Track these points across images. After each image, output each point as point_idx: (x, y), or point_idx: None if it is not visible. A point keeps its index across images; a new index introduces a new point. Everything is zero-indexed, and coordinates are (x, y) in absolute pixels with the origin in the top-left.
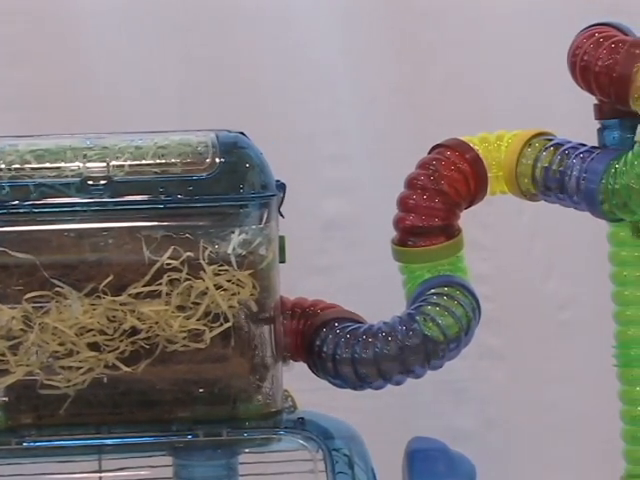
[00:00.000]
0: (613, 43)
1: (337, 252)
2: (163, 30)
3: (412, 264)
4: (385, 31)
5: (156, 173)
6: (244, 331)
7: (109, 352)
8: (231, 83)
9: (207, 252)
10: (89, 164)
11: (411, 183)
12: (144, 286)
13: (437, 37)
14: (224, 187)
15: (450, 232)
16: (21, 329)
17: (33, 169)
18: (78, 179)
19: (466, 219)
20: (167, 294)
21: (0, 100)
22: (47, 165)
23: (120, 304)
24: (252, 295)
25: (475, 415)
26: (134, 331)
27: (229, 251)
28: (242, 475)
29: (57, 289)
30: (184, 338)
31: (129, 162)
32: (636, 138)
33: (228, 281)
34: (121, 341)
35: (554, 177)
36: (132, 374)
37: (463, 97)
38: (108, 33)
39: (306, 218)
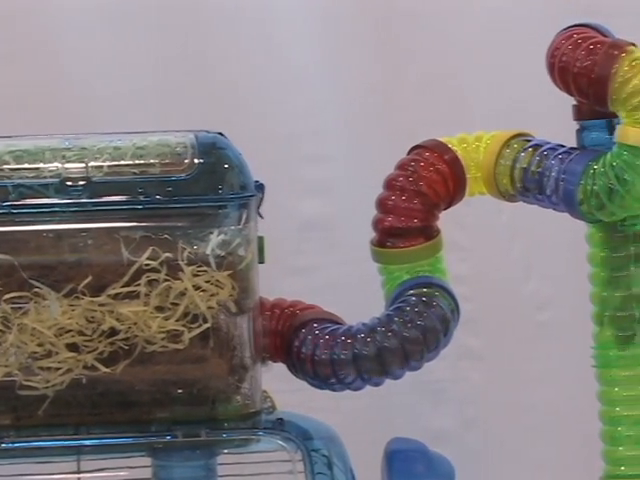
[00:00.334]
0: (591, 44)
1: (316, 253)
2: (142, 30)
3: (391, 265)
4: (364, 31)
5: (135, 174)
6: (223, 332)
7: (88, 353)
8: (210, 83)
9: (186, 253)
10: (68, 165)
11: (390, 184)
12: (123, 287)
13: (416, 38)
14: (203, 188)
15: (429, 233)
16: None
17: (12, 170)
18: (57, 180)
19: (445, 220)
20: (146, 295)
21: None
22: (26, 166)
23: (99, 305)
24: (231, 296)
25: (454, 416)
26: (113, 332)
27: (208, 252)
28: (221, 476)
29: (36, 290)
30: (163, 339)
31: (108, 163)
32: (615, 139)
33: (207, 282)
34: (100, 342)
35: (533, 178)
36: (111, 375)
37: (442, 98)
38: (87, 33)
39: (285, 219)
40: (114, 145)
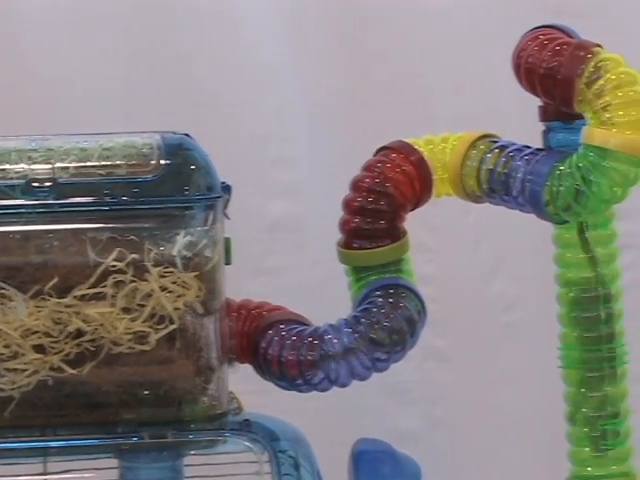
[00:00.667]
0: (557, 45)
1: (283, 254)
2: (111, 31)
3: (358, 266)
4: (330, 33)
5: (101, 175)
6: (189, 333)
7: (54, 354)
8: (177, 84)
9: (152, 254)
10: (34, 166)
11: (356, 185)
12: (89, 288)
13: (383, 39)
14: (169, 189)
15: (395, 234)
16: None
17: None
18: (23, 181)
19: (411, 221)
20: (112, 296)
21: None
22: None
23: (65, 306)
24: (197, 297)
25: (420, 416)
26: (79, 333)
27: (174, 253)
28: (187, 477)
29: (2, 291)
30: (129, 340)
31: (74, 164)
32: (580, 140)
33: (173, 283)
34: (66, 343)
35: (499, 179)
36: (77, 376)
37: (408, 99)
38: (55, 34)
39: (252, 220)
40: (80, 146)
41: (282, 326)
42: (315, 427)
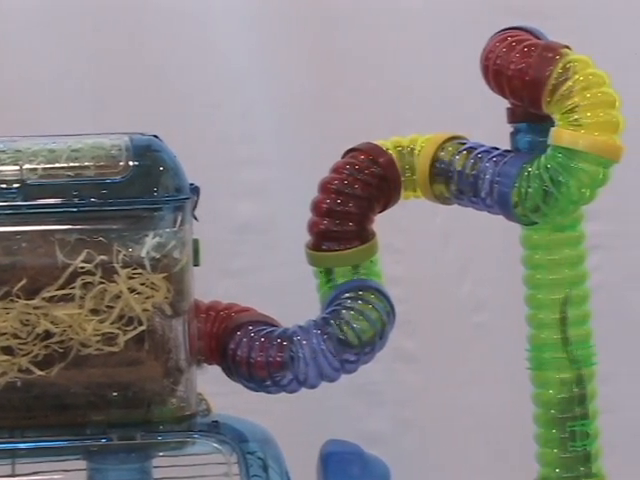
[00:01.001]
0: (526, 47)
1: (251, 255)
2: (78, 32)
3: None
4: (297, 35)
5: (70, 176)
6: (158, 334)
7: (23, 356)
8: (145, 86)
9: (121, 255)
10: (2, 167)
11: (325, 187)
12: (58, 290)
13: (350, 40)
14: (138, 190)
15: (364, 236)
16: None
17: None
18: None
19: (380, 223)
20: (81, 297)
21: None
22: None
23: (33, 308)
24: (166, 298)
25: (390, 418)
26: (48, 335)
27: (143, 254)
28: (156, 479)
29: None
30: (98, 342)
31: (42, 165)
32: (549, 141)
33: (142, 284)
34: (35, 345)
35: (467, 181)
36: (46, 378)
37: (376, 101)
38: (20, 34)
39: (220, 221)
40: (49, 148)
41: (251, 327)
42: (284, 428)
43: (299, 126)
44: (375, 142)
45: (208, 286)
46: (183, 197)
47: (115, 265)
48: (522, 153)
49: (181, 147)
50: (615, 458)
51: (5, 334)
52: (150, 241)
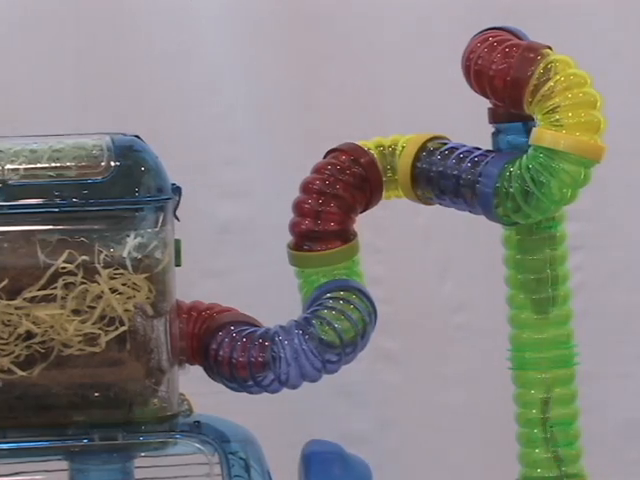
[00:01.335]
0: (507, 47)
1: (233, 255)
2: (56, 32)
3: (308, 268)
4: (279, 35)
5: (51, 177)
6: (140, 335)
7: (4, 356)
8: (127, 86)
9: (102, 256)
10: None
11: (306, 187)
12: (39, 290)
13: (331, 40)
14: (119, 190)
15: (346, 236)
16: None
17: None
18: None
19: (362, 223)
20: (62, 298)
21: None
22: None
23: (15, 308)
24: (148, 299)
25: (371, 417)
26: (29, 335)
27: (124, 255)
28: (138, 479)
29: None
30: (79, 342)
31: (24, 166)
32: (530, 142)
33: (124, 285)
34: (16, 345)
35: (448, 181)
36: (27, 378)
37: (357, 101)
38: (2, 36)
39: (202, 221)
40: (30, 148)
41: (233, 328)
42: (266, 429)
43: (280, 126)
44: (357, 142)
45: (190, 286)
46: (165, 197)
47: (97, 265)
48: (504, 153)
49: (163, 147)
50: (596, 458)
51: None
52: (132, 241)
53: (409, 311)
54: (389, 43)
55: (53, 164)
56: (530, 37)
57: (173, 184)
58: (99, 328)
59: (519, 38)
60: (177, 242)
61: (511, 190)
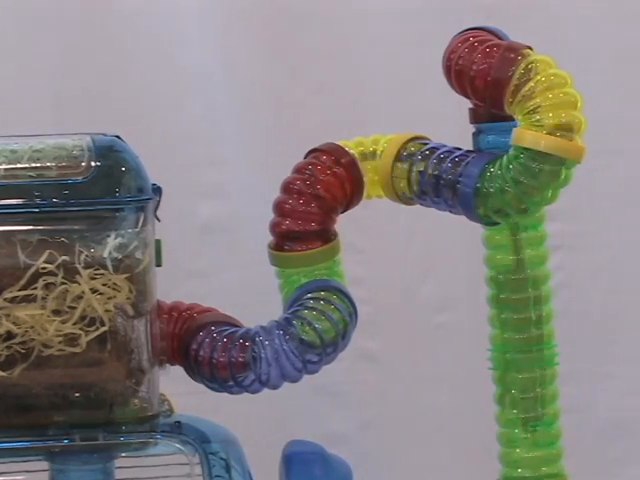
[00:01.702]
0: (488, 47)
1: (214, 256)
2: (41, 33)
3: (288, 268)
4: (259, 35)
5: (31, 177)
6: (120, 335)
7: None
8: (107, 86)
9: (83, 256)
10: None
11: (287, 188)
12: (19, 290)
13: (312, 40)
14: (100, 191)
15: (326, 236)
16: None
17: None
18: None
19: (342, 223)
20: (43, 298)
21: None
22: None
23: None
24: (128, 299)
25: (352, 418)
26: (9, 335)
27: (105, 255)
28: (119, 479)
29: None
30: (60, 342)
31: (4, 166)
32: (511, 142)
33: (104, 285)
34: None
35: (429, 181)
36: (7, 378)
37: (338, 101)
38: None
39: (182, 222)
40: (10, 148)
41: (213, 328)
42: (246, 429)
43: (261, 126)
44: (337, 142)
45: (170, 286)
46: (145, 197)
47: (77, 266)
48: (484, 153)
49: (143, 147)
50: (577, 458)
51: None
52: (112, 242)
53: (390, 311)
54: (371, 43)
55: (33, 164)
56: (510, 37)
57: (154, 184)
58: (80, 328)
59: (500, 38)
60: (158, 242)
61: (492, 190)
